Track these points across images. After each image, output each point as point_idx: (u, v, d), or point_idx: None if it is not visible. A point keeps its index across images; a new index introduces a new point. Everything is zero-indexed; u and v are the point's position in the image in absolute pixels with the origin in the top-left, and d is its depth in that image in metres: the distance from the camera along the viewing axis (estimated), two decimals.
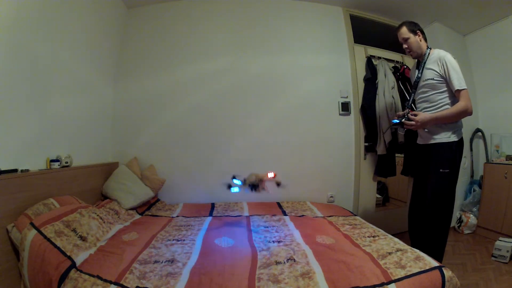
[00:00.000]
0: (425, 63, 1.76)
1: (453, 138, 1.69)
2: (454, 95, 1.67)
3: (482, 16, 2.94)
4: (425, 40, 1.81)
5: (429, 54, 1.76)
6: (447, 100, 1.70)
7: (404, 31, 1.79)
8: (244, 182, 1.75)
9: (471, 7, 2.77)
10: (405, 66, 2.93)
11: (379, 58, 2.90)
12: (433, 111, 1.73)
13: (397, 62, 2.98)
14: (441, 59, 1.67)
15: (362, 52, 2.92)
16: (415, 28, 1.79)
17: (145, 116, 2.71)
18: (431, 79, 1.71)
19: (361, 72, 2.88)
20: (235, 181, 1.79)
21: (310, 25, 2.90)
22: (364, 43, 2.96)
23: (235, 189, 1.79)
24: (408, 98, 1.98)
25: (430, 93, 1.74)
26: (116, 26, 2.67)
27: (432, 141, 1.75)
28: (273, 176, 1.72)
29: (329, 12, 2.93)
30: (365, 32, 3.07)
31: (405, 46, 1.82)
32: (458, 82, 1.61)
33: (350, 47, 2.88)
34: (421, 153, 1.88)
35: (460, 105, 1.62)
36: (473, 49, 3.29)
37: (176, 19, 2.81)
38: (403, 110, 1.88)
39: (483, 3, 2.70)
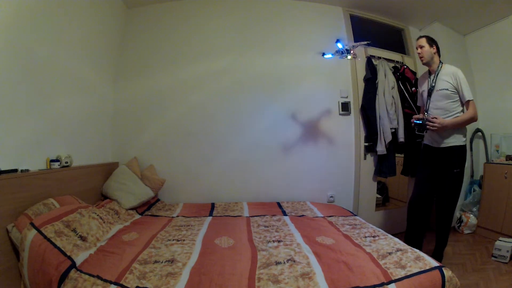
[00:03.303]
0: (437, 74, 2.05)
1: (464, 142, 2.03)
2: (463, 105, 2.00)
3: (482, 16, 2.94)
4: (439, 55, 2.10)
5: (441, 67, 2.06)
6: (459, 108, 2.01)
7: (423, 41, 2.08)
8: (343, 46, 2.20)
9: (471, 7, 2.77)
10: (405, 66, 2.93)
11: (379, 58, 2.90)
12: (449, 117, 2.00)
13: (397, 62, 2.98)
14: (454, 74, 1.98)
15: (362, 52, 2.92)
16: (432, 42, 2.08)
17: (145, 116, 2.71)
18: (445, 89, 2.00)
19: (361, 72, 2.88)
20: (339, 44, 2.26)
21: (310, 25, 2.90)
22: None
23: (329, 55, 2.38)
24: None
25: (445, 102, 2.02)
26: (116, 26, 2.67)
27: (447, 145, 2.03)
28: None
29: (329, 12, 2.93)
30: (365, 32, 3.06)
31: (419, 51, 2.10)
32: (468, 94, 1.94)
33: (350, 47, 2.88)
34: (430, 154, 2.14)
35: (470, 113, 1.95)
36: (473, 49, 3.29)
37: (176, 19, 2.81)
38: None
39: (483, 3, 2.69)
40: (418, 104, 2.37)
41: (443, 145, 2.04)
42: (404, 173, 2.96)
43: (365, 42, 2.35)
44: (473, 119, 1.96)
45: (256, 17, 2.86)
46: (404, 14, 3.03)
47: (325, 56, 2.44)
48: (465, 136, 2.03)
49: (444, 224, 2.09)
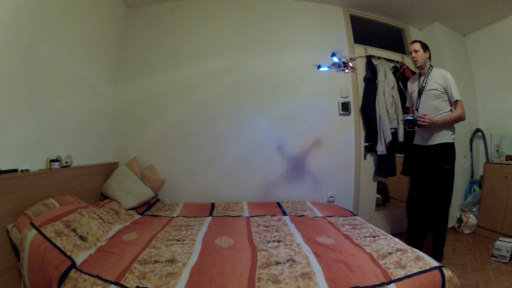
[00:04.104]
0: (428, 76, 2.16)
1: (453, 139, 2.11)
2: (452, 104, 2.10)
3: (482, 16, 2.94)
4: (430, 60, 2.22)
5: (431, 70, 2.18)
6: (448, 108, 2.11)
7: (417, 45, 2.19)
8: (339, 60, 2.32)
9: (471, 7, 2.77)
10: (405, 66, 2.93)
11: (379, 58, 2.90)
12: (437, 116, 2.07)
13: (397, 62, 2.98)
14: (444, 76, 2.09)
15: (362, 52, 2.92)
16: (425, 47, 2.20)
17: (145, 116, 2.71)
18: (435, 89, 2.11)
19: (361, 72, 2.88)
20: (334, 58, 2.34)
21: (310, 25, 2.91)
22: (364, 43, 2.96)
23: (324, 68, 2.42)
24: (408, 102, 2.41)
25: (435, 101, 2.11)
26: (116, 26, 2.67)
27: (435, 142, 2.11)
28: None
29: (329, 12, 2.93)
30: (365, 32, 3.07)
31: (413, 55, 2.20)
32: (456, 94, 2.05)
33: (350, 47, 2.88)
34: (420, 153, 2.21)
35: (458, 112, 2.05)
36: (473, 49, 3.29)
37: (176, 19, 2.81)
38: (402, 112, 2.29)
39: (483, 3, 2.70)
40: (407, 105, 2.47)
41: (432, 143, 2.12)
42: (404, 173, 2.94)
43: (364, 55, 2.46)
44: (461, 118, 2.06)
45: (256, 17, 2.86)
46: (404, 14, 3.03)
47: (321, 69, 2.43)
48: (453, 134, 2.11)
49: (440, 222, 2.11)
